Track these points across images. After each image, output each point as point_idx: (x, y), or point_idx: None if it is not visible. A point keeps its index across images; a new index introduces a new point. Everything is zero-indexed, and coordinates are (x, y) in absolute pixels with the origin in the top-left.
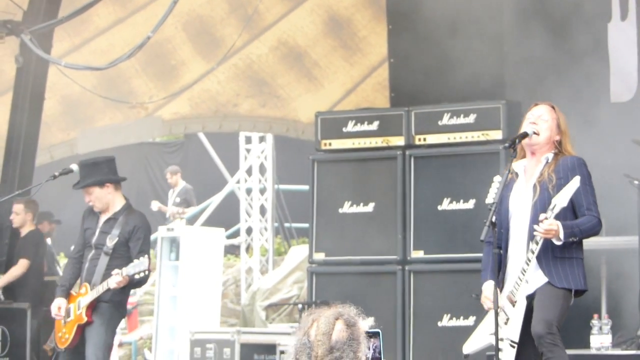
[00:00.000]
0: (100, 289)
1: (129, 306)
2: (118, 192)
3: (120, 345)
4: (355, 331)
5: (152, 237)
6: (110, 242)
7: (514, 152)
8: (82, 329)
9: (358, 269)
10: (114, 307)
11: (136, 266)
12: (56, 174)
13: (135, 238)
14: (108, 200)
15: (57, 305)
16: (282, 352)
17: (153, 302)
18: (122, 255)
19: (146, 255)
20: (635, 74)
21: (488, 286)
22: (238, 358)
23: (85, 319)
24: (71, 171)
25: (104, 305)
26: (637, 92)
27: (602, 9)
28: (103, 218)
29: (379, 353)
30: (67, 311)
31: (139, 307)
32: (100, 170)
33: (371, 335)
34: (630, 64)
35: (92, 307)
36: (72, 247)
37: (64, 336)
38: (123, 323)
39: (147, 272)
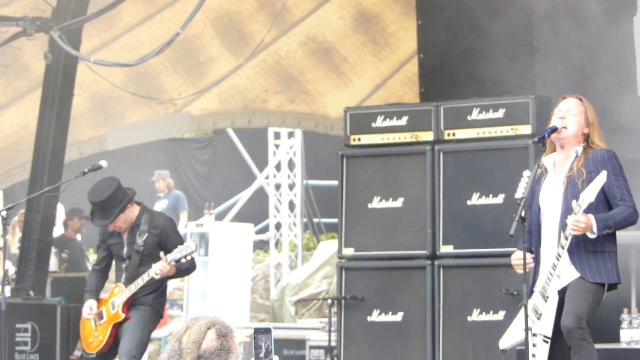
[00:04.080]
0: (140, 282)
1: None
2: (133, 204)
3: (150, 341)
4: (226, 342)
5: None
6: (140, 238)
7: (543, 146)
8: (116, 329)
9: (387, 264)
10: (153, 310)
11: (182, 250)
12: (85, 170)
13: (169, 239)
14: (132, 216)
15: (89, 306)
16: (311, 348)
17: (182, 298)
18: (152, 253)
19: (189, 240)
20: None
21: (517, 253)
22: None
23: (122, 315)
24: (100, 167)
25: (143, 308)
26: None
27: (627, 2)
28: (126, 230)
29: (270, 350)
30: (99, 314)
31: (168, 303)
32: (115, 199)
33: (262, 331)
34: None
35: (129, 304)
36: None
37: (95, 340)
38: None
39: (192, 256)
